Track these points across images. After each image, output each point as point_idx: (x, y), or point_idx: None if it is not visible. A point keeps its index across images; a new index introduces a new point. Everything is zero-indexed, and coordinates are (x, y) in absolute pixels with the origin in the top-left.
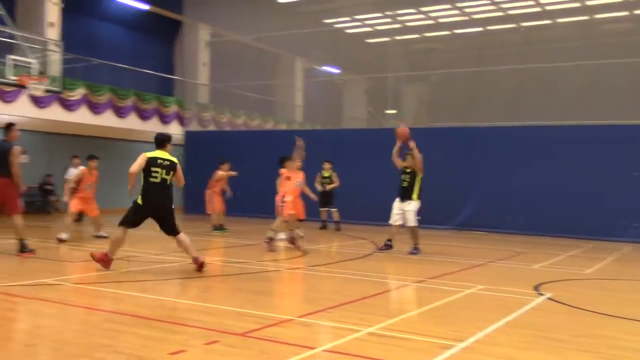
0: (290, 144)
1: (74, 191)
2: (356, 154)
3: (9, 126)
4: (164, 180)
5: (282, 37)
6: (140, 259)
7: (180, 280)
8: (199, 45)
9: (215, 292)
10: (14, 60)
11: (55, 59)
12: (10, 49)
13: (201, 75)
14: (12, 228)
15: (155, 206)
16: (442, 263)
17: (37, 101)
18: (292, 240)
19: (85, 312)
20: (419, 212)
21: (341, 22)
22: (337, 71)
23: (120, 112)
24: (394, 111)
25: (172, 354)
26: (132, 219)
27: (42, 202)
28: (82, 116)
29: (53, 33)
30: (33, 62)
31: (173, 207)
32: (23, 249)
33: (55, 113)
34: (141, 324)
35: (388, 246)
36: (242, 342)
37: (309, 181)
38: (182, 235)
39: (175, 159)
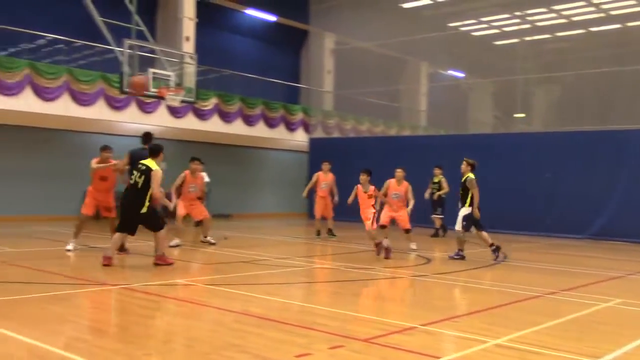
0: (415, 150)
1: (179, 195)
2: (482, 159)
3: (147, 135)
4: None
5: (406, 42)
6: (267, 263)
7: (306, 284)
8: (324, 54)
9: (340, 297)
10: (154, 73)
11: (190, 71)
12: (150, 63)
13: (326, 82)
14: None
15: None
16: (575, 274)
17: (174, 111)
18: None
19: (216, 312)
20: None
21: (467, 25)
22: (462, 75)
23: (249, 121)
24: (522, 115)
25: (298, 356)
26: None
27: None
28: (214, 125)
29: (188, 47)
30: (171, 74)
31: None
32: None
33: (189, 122)
34: (268, 326)
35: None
36: (366, 348)
37: (424, 187)
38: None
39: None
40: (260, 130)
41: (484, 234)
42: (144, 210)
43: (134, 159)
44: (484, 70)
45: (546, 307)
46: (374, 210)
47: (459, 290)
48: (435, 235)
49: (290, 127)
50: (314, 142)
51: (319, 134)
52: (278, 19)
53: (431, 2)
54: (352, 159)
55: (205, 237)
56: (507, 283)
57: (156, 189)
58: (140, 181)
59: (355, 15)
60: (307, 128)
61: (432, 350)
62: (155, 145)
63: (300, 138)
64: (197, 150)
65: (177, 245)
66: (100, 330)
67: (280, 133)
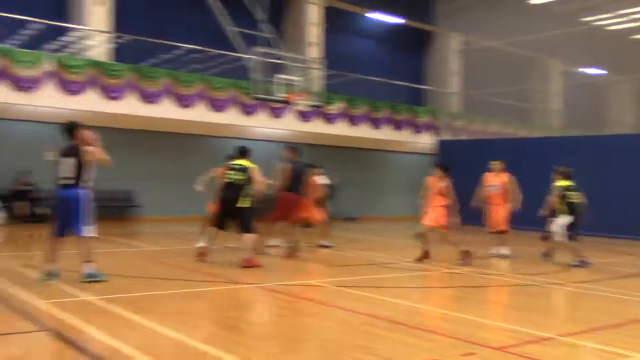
0: (548, 151)
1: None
2: (621, 161)
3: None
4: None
5: (536, 40)
6: (395, 266)
7: (434, 289)
8: (450, 54)
9: (470, 303)
10: (282, 79)
11: (317, 75)
12: (279, 69)
13: (452, 84)
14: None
15: None
16: None
17: (302, 115)
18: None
19: (345, 314)
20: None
21: (602, 19)
22: (599, 72)
23: (375, 124)
24: None
25: None
26: None
27: None
28: (341, 128)
29: (315, 52)
30: (298, 79)
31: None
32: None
33: (317, 126)
34: (397, 329)
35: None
36: (500, 357)
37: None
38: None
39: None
40: (386, 132)
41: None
42: (243, 205)
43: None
44: (621, 66)
45: None
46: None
47: (599, 300)
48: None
49: (416, 130)
50: (441, 144)
51: (445, 135)
52: (403, 21)
53: None
54: (481, 161)
55: (321, 241)
56: None
57: (260, 183)
58: (240, 178)
59: (482, 14)
60: (433, 130)
61: None
62: (244, 147)
63: (426, 140)
64: (323, 154)
65: (275, 246)
66: (235, 326)
67: (406, 135)
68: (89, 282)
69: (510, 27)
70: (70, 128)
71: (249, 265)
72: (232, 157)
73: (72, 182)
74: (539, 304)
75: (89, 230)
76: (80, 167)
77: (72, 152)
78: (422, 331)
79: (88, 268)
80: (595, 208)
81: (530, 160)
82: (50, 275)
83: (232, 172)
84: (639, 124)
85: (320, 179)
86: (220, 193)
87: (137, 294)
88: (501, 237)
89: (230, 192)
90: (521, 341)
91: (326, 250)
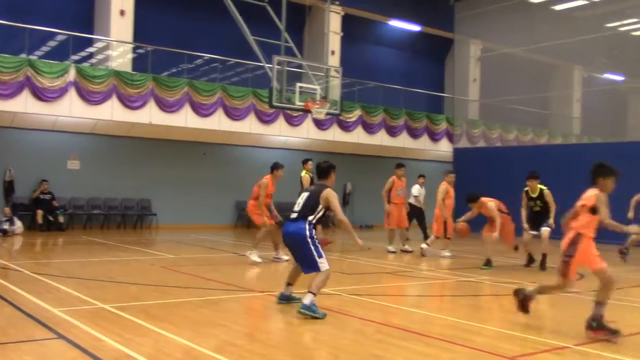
0: (566, 159)
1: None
2: None
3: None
4: None
5: (557, 46)
6: (410, 274)
7: (449, 297)
8: (469, 62)
9: (486, 312)
10: (301, 87)
11: (335, 84)
12: (297, 77)
13: (471, 91)
14: None
15: None
16: None
17: (319, 124)
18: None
19: (359, 322)
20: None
21: (627, 25)
22: (621, 78)
23: (392, 131)
24: None
25: None
26: None
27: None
28: (358, 136)
29: (334, 60)
30: (316, 88)
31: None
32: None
33: (334, 134)
34: (411, 338)
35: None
36: None
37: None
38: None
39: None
40: (403, 140)
41: None
42: None
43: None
44: None
45: None
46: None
47: (616, 309)
48: None
49: (434, 137)
50: (458, 152)
51: (463, 143)
52: (422, 29)
53: (586, 2)
54: (498, 169)
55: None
56: None
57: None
58: None
59: (502, 21)
60: (451, 138)
61: None
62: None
63: (444, 148)
64: (341, 161)
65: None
66: (248, 334)
67: (423, 143)
68: None
69: (531, 34)
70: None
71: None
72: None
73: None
74: (556, 313)
75: None
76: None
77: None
78: (437, 340)
79: None
80: (617, 215)
81: (551, 168)
82: None
83: None
84: None
85: None
86: None
87: (150, 302)
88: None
89: None
90: (536, 350)
91: (339, 258)
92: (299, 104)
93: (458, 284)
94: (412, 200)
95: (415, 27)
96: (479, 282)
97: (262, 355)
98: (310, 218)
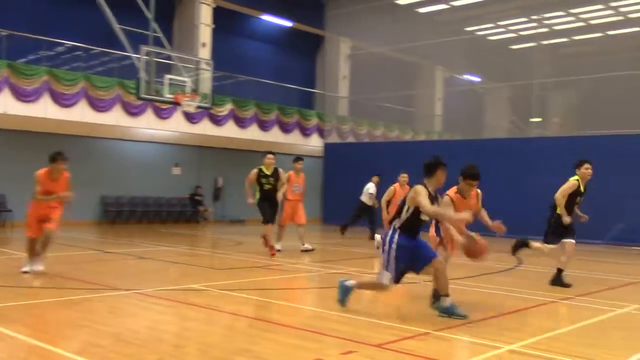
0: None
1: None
2: (498, 164)
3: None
4: None
5: (422, 47)
6: (281, 268)
7: (319, 289)
8: (340, 59)
9: (353, 303)
10: (170, 79)
11: (206, 77)
12: (167, 69)
13: (341, 88)
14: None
15: None
16: (591, 280)
17: (190, 117)
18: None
19: (230, 317)
20: None
21: (484, 30)
22: (478, 79)
23: (264, 126)
24: (539, 119)
25: None
26: None
27: (192, 212)
28: (229, 130)
29: (205, 53)
30: (187, 80)
31: None
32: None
33: (205, 128)
34: (281, 331)
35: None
36: (378, 354)
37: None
38: None
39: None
40: (275, 135)
41: None
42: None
43: None
44: (500, 74)
45: (562, 313)
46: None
47: (475, 295)
48: None
49: (305, 132)
50: (328, 147)
51: (333, 139)
52: (294, 25)
53: (447, 6)
54: (367, 164)
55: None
56: (521, 288)
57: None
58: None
59: (371, 20)
60: (321, 133)
61: (445, 356)
62: None
63: (315, 143)
64: (212, 156)
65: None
66: (114, 334)
67: (295, 138)
68: None
69: (398, 34)
70: None
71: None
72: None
73: None
74: (416, 300)
75: None
76: None
77: None
78: (307, 332)
79: None
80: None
81: (415, 163)
82: None
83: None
84: (513, 129)
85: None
86: None
87: (4, 304)
88: None
89: None
90: (400, 337)
91: (210, 254)
92: (168, 96)
93: (327, 276)
94: (364, 198)
95: (287, 23)
96: (347, 273)
97: (128, 356)
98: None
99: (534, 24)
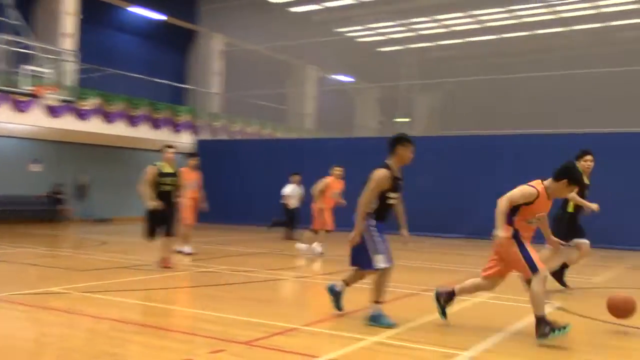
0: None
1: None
2: (366, 162)
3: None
4: None
5: (295, 46)
6: (148, 268)
7: (188, 289)
8: (213, 55)
9: (223, 301)
10: (30, 70)
11: (70, 69)
12: (27, 59)
13: (214, 84)
14: None
15: None
16: (451, 272)
17: (51, 111)
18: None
19: (92, 321)
20: None
21: (354, 31)
22: (350, 80)
23: (132, 121)
24: (406, 119)
25: None
26: None
27: (52, 211)
28: (95, 125)
29: (70, 43)
30: (48, 72)
31: None
32: None
33: (68, 122)
34: (148, 333)
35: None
36: (247, 351)
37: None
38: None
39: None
40: (144, 131)
41: None
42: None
43: None
44: (369, 75)
45: (422, 304)
46: None
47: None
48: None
49: (176, 128)
50: (200, 144)
51: (205, 135)
52: (165, 18)
53: (320, 7)
54: (239, 161)
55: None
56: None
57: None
58: None
59: (245, 17)
60: (193, 130)
61: (314, 350)
62: None
63: (186, 140)
64: (75, 152)
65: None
66: None
67: (165, 134)
68: None
69: (272, 32)
70: None
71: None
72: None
73: None
74: (287, 297)
75: None
76: None
77: None
78: (174, 332)
79: None
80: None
81: (288, 160)
82: None
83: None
84: (382, 128)
85: None
86: None
87: None
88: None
89: None
90: (269, 334)
91: (72, 255)
92: (27, 88)
93: (198, 274)
94: (288, 201)
95: (158, 16)
96: (217, 272)
97: None
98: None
99: (402, 28)
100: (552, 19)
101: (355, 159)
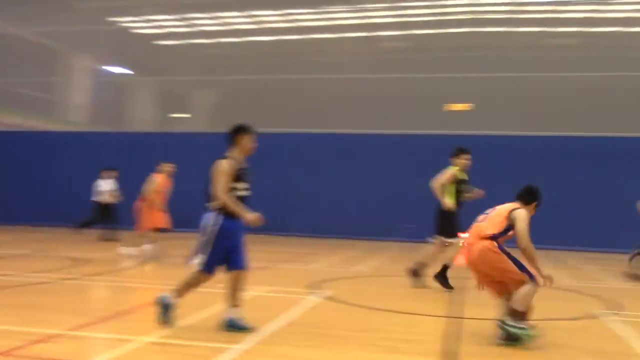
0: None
1: None
2: (145, 158)
3: None
4: None
5: (65, 33)
6: None
7: None
8: None
9: None
10: None
11: None
12: None
13: None
14: None
15: None
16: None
17: None
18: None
19: None
20: None
21: (127, 22)
22: (126, 72)
23: None
24: (187, 115)
25: None
26: None
27: None
28: None
29: None
30: None
31: None
32: None
33: None
34: None
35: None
36: None
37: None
38: None
39: None
40: None
41: None
42: None
43: None
44: (147, 69)
45: (196, 301)
46: None
47: (110, 291)
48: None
49: None
50: None
51: None
52: None
53: None
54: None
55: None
56: (158, 280)
57: None
58: None
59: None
60: None
61: (81, 355)
62: None
63: None
64: None
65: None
66: None
67: None
68: None
69: (40, 17)
70: None
71: None
72: None
73: None
74: (50, 301)
75: None
76: None
77: None
78: None
79: None
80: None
81: (59, 154)
82: None
83: None
84: (159, 123)
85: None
86: None
87: None
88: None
89: None
90: (28, 342)
91: None
92: None
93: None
94: (99, 198)
95: None
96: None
97: None
98: None
99: (180, 23)
100: (328, 25)
101: (129, 154)
